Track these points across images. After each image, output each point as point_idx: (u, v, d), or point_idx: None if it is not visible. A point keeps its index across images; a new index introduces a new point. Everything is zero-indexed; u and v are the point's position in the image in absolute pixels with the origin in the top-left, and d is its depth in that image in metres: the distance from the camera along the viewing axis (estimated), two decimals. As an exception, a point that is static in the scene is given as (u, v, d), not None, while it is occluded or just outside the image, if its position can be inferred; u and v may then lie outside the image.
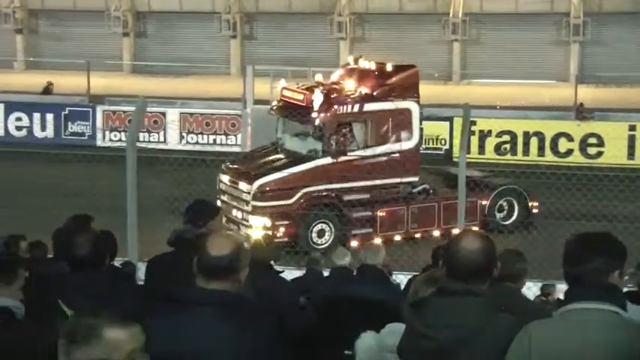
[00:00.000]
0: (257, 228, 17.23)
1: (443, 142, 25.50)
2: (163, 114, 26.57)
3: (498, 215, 18.97)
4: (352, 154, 17.95)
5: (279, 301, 6.98)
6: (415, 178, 18.63)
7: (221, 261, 4.23)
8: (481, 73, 35.05)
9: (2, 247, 9.39)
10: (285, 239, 16.98)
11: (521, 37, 35.45)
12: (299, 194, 17.70)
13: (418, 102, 18.88)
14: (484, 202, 18.71)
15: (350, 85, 18.55)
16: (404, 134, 18.47)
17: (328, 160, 17.90)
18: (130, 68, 37.77)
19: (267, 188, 17.77)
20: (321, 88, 18.59)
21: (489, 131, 25.04)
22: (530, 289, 9.98)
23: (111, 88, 30.59)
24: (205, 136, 26.46)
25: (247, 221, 17.68)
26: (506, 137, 25.12)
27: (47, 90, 30.39)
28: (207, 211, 6.83)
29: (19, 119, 27.36)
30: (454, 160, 21.40)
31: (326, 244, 17.27)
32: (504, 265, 5.09)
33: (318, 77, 19.51)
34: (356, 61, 19.67)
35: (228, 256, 4.24)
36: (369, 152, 18.02)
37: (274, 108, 19.44)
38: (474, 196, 18.01)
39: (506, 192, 19.07)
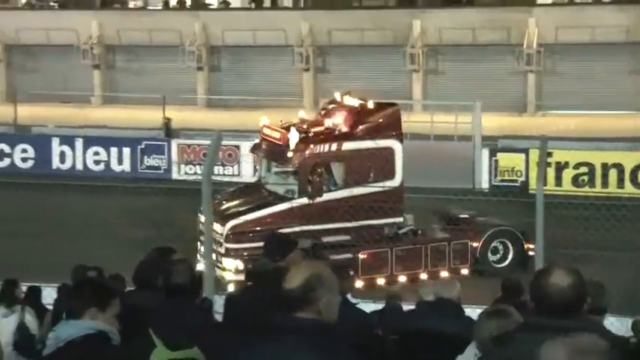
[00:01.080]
0: (229, 271, 16.74)
1: (519, 174, 25.18)
2: (237, 147, 26.77)
3: (492, 258, 18.23)
4: (329, 194, 17.29)
5: (360, 332, 6.92)
6: (399, 219, 17.92)
7: (294, 293, 4.22)
8: (556, 104, 34.62)
9: (95, 275, 9.54)
10: None
11: (597, 67, 34.95)
12: None
13: (401, 140, 18.32)
14: (475, 244, 18.05)
15: (329, 124, 18.05)
16: (386, 174, 17.86)
17: (304, 200, 17.33)
18: (204, 102, 38.21)
19: (241, 230, 17.26)
20: (300, 126, 18.14)
21: (566, 163, 24.66)
22: (613, 324, 9.72)
23: (186, 121, 30.98)
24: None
25: (221, 263, 17.01)
26: (584, 169, 24.71)
27: (167, 126, 29.93)
28: (284, 245, 6.83)
29: (96, 153, 27.84)
30: (530, 192, 21.09)
31: None
32: (591, 298, 4.96)
33: (301, 114, 19.06)
34: (342, 97, 19.11)
35: (301, 287, 4.22)
36: (346, 193, 17.38)
37: (254, 146, 19.06)
38: (464, 237, 17.93)
39: (499, 234, 18.34)
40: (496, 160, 25.39)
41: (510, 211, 18.99)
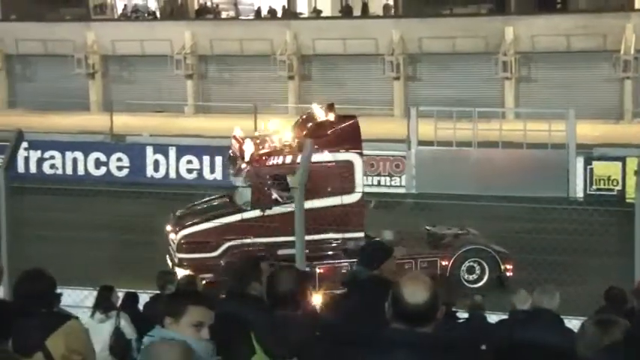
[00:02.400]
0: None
1: (615, 183, 24.60)
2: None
3: (468, 277, 17.49)
4: (284, 207, 16.17)
5: (469, 347, 6.78)
6: (360, 234, 17.07)
7: (421, 308, 4.19)
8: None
9: (185, 282, 9.61)
10: None
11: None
12: (224, 247, 16.82)
13: (361, 154, 17.54)
14: (444, 263, 17.31)
15: (288, 136, 17.49)
16: (345, 188, 17.08)
17: (257, 212, 16.90)
18: (294, 111, 38.38)
19: (191, 240, 16.97)
20: (258, 138, 17.72)
21: (665, 171, 24.00)
22: None
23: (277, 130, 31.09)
24: (370, 178, 26.44)
25: (175, 274, 16.80)
26: (684, 177, 24.00)
27: None
28: (381, 253, 6.72)
29: (189, 162, 28.16)
30: (627, 201, 20.59)
31: None
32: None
33: (270, 125, 18.37)
34: (322, 110, 18.36)
35: (427, 302, 4.21)
36: (284, 208, 16.17)
37: (228, 157, 18.69)
38: (434, 254, 17.32)
39: (473, 252, 17.59)
40: (591, 169, 24.85)
41: (606, 221, 18.53)
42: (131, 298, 11.61)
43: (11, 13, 41.67)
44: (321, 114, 18.10)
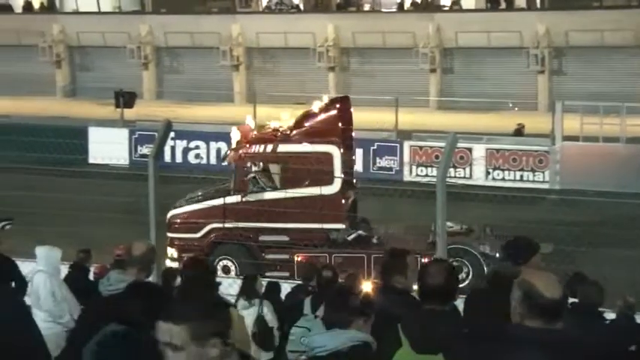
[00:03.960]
0: (169, 259, 16.91)
1: None
2: (469, 150, 26.48)
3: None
4: (265, 194, 17.29)
5: (607, 347, 6.59)
6: (340, 226, 17.29)
7: (557, 304, 4.14)
8: None
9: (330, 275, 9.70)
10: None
11: None
12: (206, 229, 17.54)
13: (339, 146, 17.45)
14: (425, 260, 16.65)
15: (274, 125, 18.15)
16: (324, 179, 17.10)
17: (237, 198, 17.38)
18: (436, 104, 38.13)
19: (177, 220, 17.76)
20: (252, 127, 18.38)
21: None
22: None
23: (417, 123, 30.99)
24: (512, 173, 26.03)
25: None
26: None
27: (519, 132, 29.64)
28: (528, 248, 6.57)
29: (329, 153, 28.32)
30: None
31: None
32: None
33: (284, 116, 18.78)
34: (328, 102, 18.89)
35: (562, 297, 4.19)
36: (282, 194, 17.15)
37: None
38: (417, 251, 16.58)
39: (454, 252, 16.38)
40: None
41: None
42: (273, 287, 11.79)
43: (161, 6, 42.87)
44: (317, 106, 18.54)
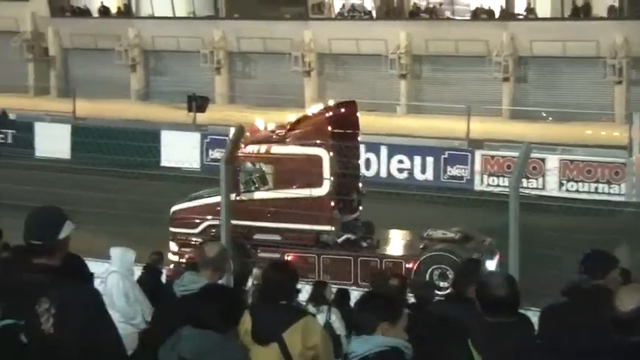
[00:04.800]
0: (170, 253, 17.52)
1: None
2: (543, 160, 26.13)
3: (442, 283, 16.68)
4: (258, 193, 17.85)
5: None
6: (329, 228, 17.53)
7: (630, 315, 4.08)
8: None
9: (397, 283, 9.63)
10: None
11: None
12: (204, 225, 18.03)
13: (328, 150, 17.54)
14: (409, 265, 17.04)
15: (272, 127, 18.63)
16: (313, 181, 17.32)
17: (232, 197, 17.14)
18: (508, 113, 37.72)
19: (177, 216, 18.49)
20: (261, 128, 18.68)
21: None
22: None
23: (489, 132, 30.71)
24: (586, 184, 25.61)
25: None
26: None
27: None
28: (607, 262, 6.43)
29: (400, 162, 28.22)
30: None
31: None
32: None
33: (290, 119, 18.93)
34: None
35: (635, 311, 4.10)
36: (273, 194, 17.66)
37: None
38: (399, 257, 17.32)
39: (437, 259, 17.14)
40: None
41: None
42: (343, 295, 11.74)
43: (235, 11, 43.20)
44: (315, 109, 19.04)
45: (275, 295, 6.08)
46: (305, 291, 11.01)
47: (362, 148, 28.45)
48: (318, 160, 17.69)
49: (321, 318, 10.73)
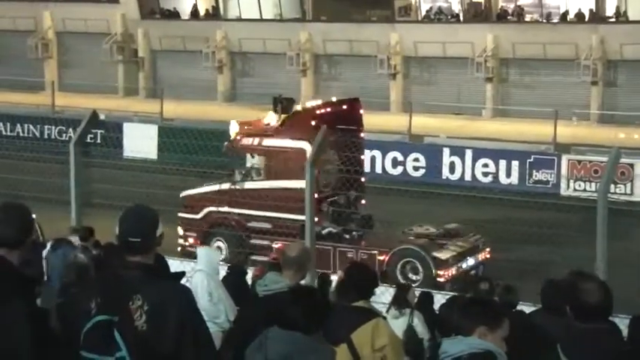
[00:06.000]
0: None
1: None
2: (631, 165, 25.64)
3: (411, 276, 17.80)
4: (251, 183, 19.29)
5: None
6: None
7: None
8: None
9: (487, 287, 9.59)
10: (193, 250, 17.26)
11: None
12: (205, 211, 19.57)
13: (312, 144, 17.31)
14: (381, 258, 17.85)
15: (268, 120, 19.89)
16: (298, 174, 17.22)
17: (227, 185, 19.50)
18: (597, 117, 37.08)
19: (184, 201, 19.97)
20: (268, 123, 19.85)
21: None
22: None
23: (576, 136, 30.25)
24: (622, 186, 25.04)
25: None
26: None
27: None
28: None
29: (485, 165, 28.01)
30: None
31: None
32: None
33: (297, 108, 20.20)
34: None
35: None
36: (262, 185, 19.12)
37: None
38: (374, 248, 18.12)
39: (407, 253, 17.95)
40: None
41: None
42: (426, 298, 11.71)
43: (322, 14, 43.37)
44: (310, 104, 20.38)
45: (350, 296, 6.12)
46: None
47: (447, 151, 28.52)
48: (302, 153, 18.19)
49: (403, 321, 10.73)
